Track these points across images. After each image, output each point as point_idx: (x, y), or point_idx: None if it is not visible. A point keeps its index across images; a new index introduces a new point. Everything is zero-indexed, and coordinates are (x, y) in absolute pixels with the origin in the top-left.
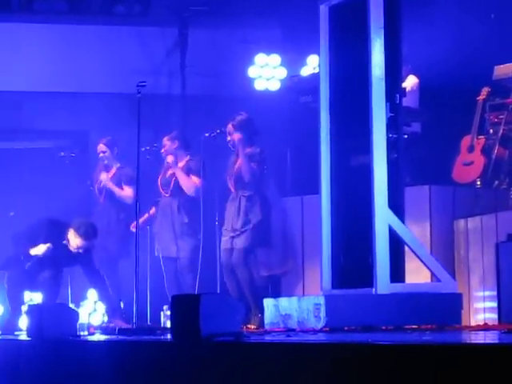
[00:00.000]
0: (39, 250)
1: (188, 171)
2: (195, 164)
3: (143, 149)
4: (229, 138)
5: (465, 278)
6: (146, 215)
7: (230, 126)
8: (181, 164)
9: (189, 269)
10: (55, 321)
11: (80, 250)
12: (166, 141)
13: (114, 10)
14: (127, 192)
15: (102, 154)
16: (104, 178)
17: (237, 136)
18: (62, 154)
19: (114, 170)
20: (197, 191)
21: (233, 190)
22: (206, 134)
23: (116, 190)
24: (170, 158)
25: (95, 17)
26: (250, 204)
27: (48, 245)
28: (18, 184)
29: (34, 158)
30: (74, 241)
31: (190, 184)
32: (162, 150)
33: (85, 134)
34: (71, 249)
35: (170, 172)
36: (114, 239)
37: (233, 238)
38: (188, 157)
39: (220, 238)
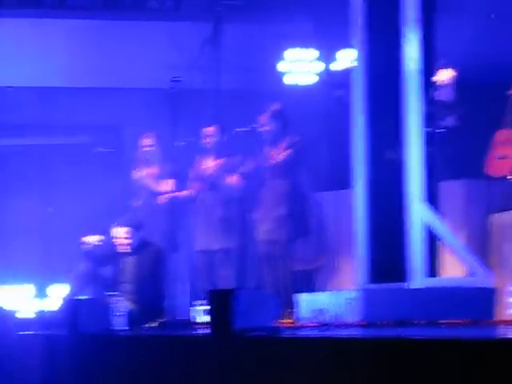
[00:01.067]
0: (90, 239)
1: (227, 170)
2: (236, 163)
3: (178, 144)
4: (263, 129)
5: (499, 272)
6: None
7: (264, 116)
8: (218, 161)
9: (224, 262)
10: (91, 315)
11: (124, 241)
12: (211, 132)
13: (147, 6)
14: (168, 185)
15: (148, 149)
16: (141, 174)
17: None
18: (98, 149)
19: (156, 167)
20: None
21: (270, 178)
22: (238, 129)
23: (154, 185)
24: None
25: (128, 12)
26: (287, 193)
27: (101, 237)
28: (55, 179)
29: (70, 154)
30: (118, 233)
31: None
32: (207, 140)
33: (120, 129)
34: (118, 244)
35: (206, 166)
36: (160, 234)
37: (270, 229)
38: (224, 154)
39: (257, 230)
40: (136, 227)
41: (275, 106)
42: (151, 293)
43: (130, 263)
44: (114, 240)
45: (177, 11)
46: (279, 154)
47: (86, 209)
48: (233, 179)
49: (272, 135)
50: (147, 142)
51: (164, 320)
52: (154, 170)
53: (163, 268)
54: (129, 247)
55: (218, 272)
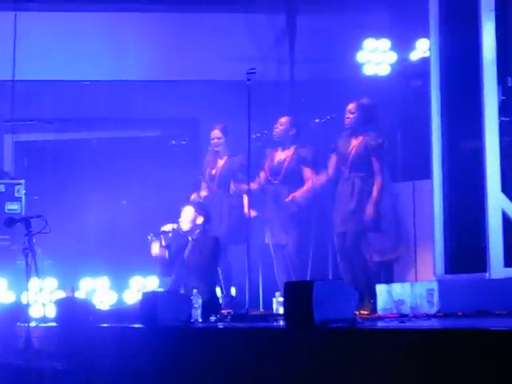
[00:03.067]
0: (166, 227)
1: (299, 161)
2: (308, 154)
3: (253, 136)
4: (348, 116)
5: None
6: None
7: (352, 105)
8: (288, 153)
9: (297, 255)
10: (169, 308)
11: (190, 221)
12: (283, 122)
13: None
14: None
15: (216, 140)
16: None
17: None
18: (173, 142)
19: (225, 158)
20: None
21: (346, 170)
22: (316, 120)
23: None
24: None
25: (203, 4)
26: (364, 185)
27: (174, 225)
28: (129, 173)
29: (144, 147)
30: (187, 212)
31: (317, 183)
32: (275, 131)
33: (195, 121)
34: (182, 223)
35: (279, 159)
36: (225, 226)
37: (341, 222)
38: (294, 146)
39: (332, 222)
40: (205, 215)
41: (364, 100)
42: (211, 284)
43: (190, 251)
44: (180, 219)
45: (252, 3)
46: (355, 148)
47: (160, 202)
48: (306, 172)
49: (353, 126)
50: (216, 134)
51: (230, 312)
52: (224, 161)
53: (219, 260)
54: (191, 228)
55: (294, 265)
